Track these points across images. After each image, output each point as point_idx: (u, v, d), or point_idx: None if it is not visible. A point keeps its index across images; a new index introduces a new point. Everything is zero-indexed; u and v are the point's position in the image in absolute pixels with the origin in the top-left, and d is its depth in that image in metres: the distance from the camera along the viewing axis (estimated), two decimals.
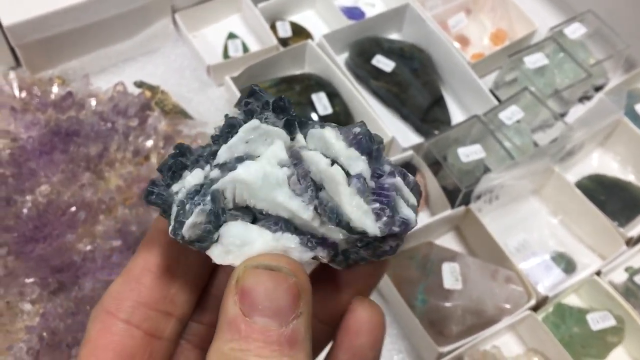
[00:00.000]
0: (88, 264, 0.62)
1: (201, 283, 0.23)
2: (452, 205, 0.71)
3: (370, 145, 0.21)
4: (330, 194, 0.20)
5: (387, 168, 0.21)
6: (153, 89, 0.76)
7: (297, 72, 0.84)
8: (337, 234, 0.21)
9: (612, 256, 0.69)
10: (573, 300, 0.69)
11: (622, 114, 0.78)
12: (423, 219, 0.73)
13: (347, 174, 0.20)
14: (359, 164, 0.20)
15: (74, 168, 0.66)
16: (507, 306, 0.64)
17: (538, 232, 0.74)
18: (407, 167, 0.73)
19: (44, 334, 0.58)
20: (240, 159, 0.21)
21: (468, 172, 0.73)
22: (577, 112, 0.84)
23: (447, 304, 0.63)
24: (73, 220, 0.63)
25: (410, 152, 0.73)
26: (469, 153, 0.72)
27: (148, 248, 0.22)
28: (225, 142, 0.21)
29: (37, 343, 0.57)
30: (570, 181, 0.75)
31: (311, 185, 0.20)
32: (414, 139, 0.79)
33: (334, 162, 0.20)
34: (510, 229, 0.73)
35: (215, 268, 0.24)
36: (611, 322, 0.65)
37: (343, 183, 0.20)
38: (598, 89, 0.86)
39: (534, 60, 0.81)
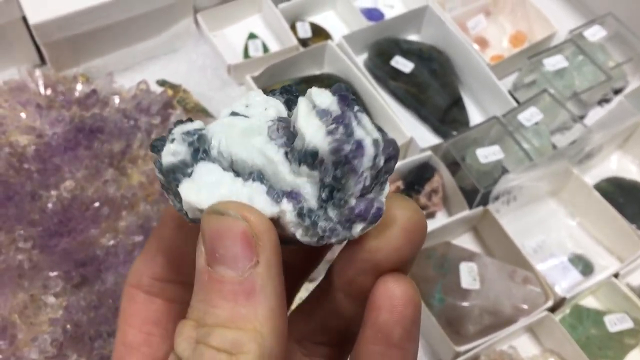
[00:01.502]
0: (111, 258, 0.63)
1: None
2: (470, 206, 0.71)
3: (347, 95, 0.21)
4: (294, 120, 0.20)
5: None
6: (175, 87, 0.77)
7: (317, 72, 0.84)
8: (302, 179, 0.20)
9: (630, 258, 0.69)
10: (590, 302, 0.69)
11: None
12: (441, 219, 0.74)
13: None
14: (327, 100, 0.20)
15: (97, 164, 0.67)
16: (525, 307, 0.64)
17: (556, 233, 0.74)
18: (426, 168, 0.74)
19: (68, 326, 0.59)
20: (234, 114, 0.22)
21: (486, 173, 0.73)
22: (596, 114, 0.84)
23: (465, 304, 0.64)
24: (96, 215, 0.64)
25: (428, 153, 0.74)
26: (487, 154, 0.73)
27: (160, 230, 0.23)
28: None
29: (61, 335, 0.58)
30: (589, 183, 0.75)
31: (288, 135, 0.21)
32: (433, 139, 0.80)
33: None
34: (528, 230, 0.73)
35: None
36: (629, 324, 0.65)
37: (305, 106, 0.20)
38: (617, 91, 0.86)
39: (553, 63, 0.81)
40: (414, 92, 0.82)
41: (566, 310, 0.67)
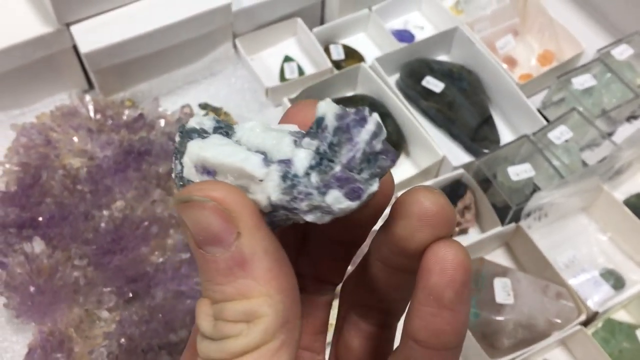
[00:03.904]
0: (160, 275, 0.67)
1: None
2: (502, 222, 0.74)
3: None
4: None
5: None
6: (216, 110, 0.81)
7: (350, 93, 0.87)
8: (299, 150, 0.20)
9: None
10: (622, 316, 0.71)
11: None
12: (474, 235, 0.76)
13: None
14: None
15: (146, 185, 0.71)
16: (558, 321, 0.66)
17: (587, 248, 0.76)
18: (458, 185, 0.76)
19: (122, 339, 0.62)
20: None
21: (518, 190, 0.75)
22: (624, 130, 0.86)
23: (499, 318, 0.66)
24: (146, 234, 0.68)
25: (460, 171, 0.76)
26: (518, 172, 0.75)
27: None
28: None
29: (116, 348, 0.62)
30: (619, 199, 0.77)
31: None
32: (464, 157, 0.82)
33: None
34: (560, 245, 0.75)
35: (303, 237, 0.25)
36: None
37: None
38: None
39: (581, 82, 0.83)
40: (445, 111, 0.84)
41: (598, 324, 0.68)
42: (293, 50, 0.92)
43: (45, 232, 0.67)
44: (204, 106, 0.82)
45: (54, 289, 0.64)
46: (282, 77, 0.88)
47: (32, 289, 0.63)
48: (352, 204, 0.20)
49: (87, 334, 0.64)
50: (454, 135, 0.84)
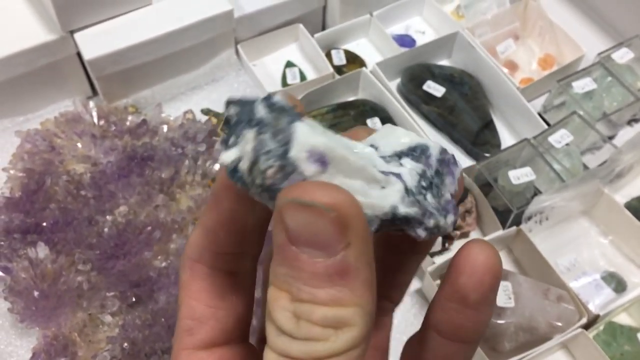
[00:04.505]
0: (163, 279, 0.67)
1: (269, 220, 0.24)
2: (503, 226, 0.74)
3: None
4: None
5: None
6: (219, 115, 0.81)
7: (352, 98, 0.88)
8: (400, 169, 0.21)
9: None
10: (624, 319, 0.71)
11: None
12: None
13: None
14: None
15: (149, 190, 0.72)
16: (559, 324, 0.66)
17: (588, 252, 0.76)
18: None
19: (125, 344, 0.63)
20: None
21: (518, 194, 0.75)
22: (625, 134, 0.86)
23: (500, 321, 0.66)
24: (149, 238, 0.69)
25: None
26: (519, 175, 0.75)
27: (218, 204, 0.23)
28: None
29: (120, 352, 0.62)
30: (620, 202, 0.77)
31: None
32: (465, 161, 0.82)
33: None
34: (561, 248, 0.76)
35: None
36: None
37: None
38: None
39: (582, 85, 0.83)
40: (446, 115, 0.85)
41: (600, 327, 0.69)
42: (295, 55, 0.93)
43: (49, 237, 0.68)
44: (207, 111, 0.82)
45: (58, 294, 0.65)
46: (284, 82, 0.89)
47: (36, 293, 0.64)
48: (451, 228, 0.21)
49: (91, 338, 0.65)
50: (455, 140, 0.85)
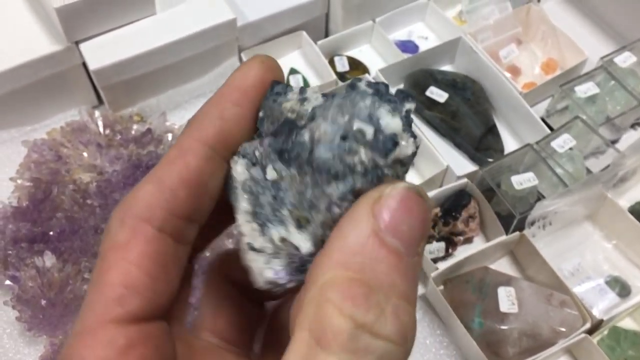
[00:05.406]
0: None
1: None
2: (507, 231, 0.74)
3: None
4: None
5: None
6: None
7: None
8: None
9: None
10: (628, 323, 0.71)
11: None
12: (478, 244, 0.77)
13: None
14: None
15: None
16: (563, 329, 0.66)
17: (592, 256, 0.76)
18: (462, 195, 0.77)
19: None
20: None
21: (521, 199, 0.76)
22: (629, 138, 0.86)
23: (503, 327, 0.66)
24: None
25: (464, 180, 0.77)
26: (522, 181, 0.75)
27: (184, 157, 0.21)
28: None
29: None
30: (623, 206, 0.77)
31: None
32: (468, 167, 0.83)
33: None
34: (564, 253, 0.76)
35: None
36: None
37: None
38: None
39: (584, 90, 0.83)
40: (449, 120, 0.85)
41: (604, 332, 0.69)
42: (298, 62, 0.93)
43: (56, 246, 0.68)
44: None
45: (65, 302, 0.65)
46: None
47: (43, 302, 0.65)
48: None
49: None
50: (458, 145, 0.85)
